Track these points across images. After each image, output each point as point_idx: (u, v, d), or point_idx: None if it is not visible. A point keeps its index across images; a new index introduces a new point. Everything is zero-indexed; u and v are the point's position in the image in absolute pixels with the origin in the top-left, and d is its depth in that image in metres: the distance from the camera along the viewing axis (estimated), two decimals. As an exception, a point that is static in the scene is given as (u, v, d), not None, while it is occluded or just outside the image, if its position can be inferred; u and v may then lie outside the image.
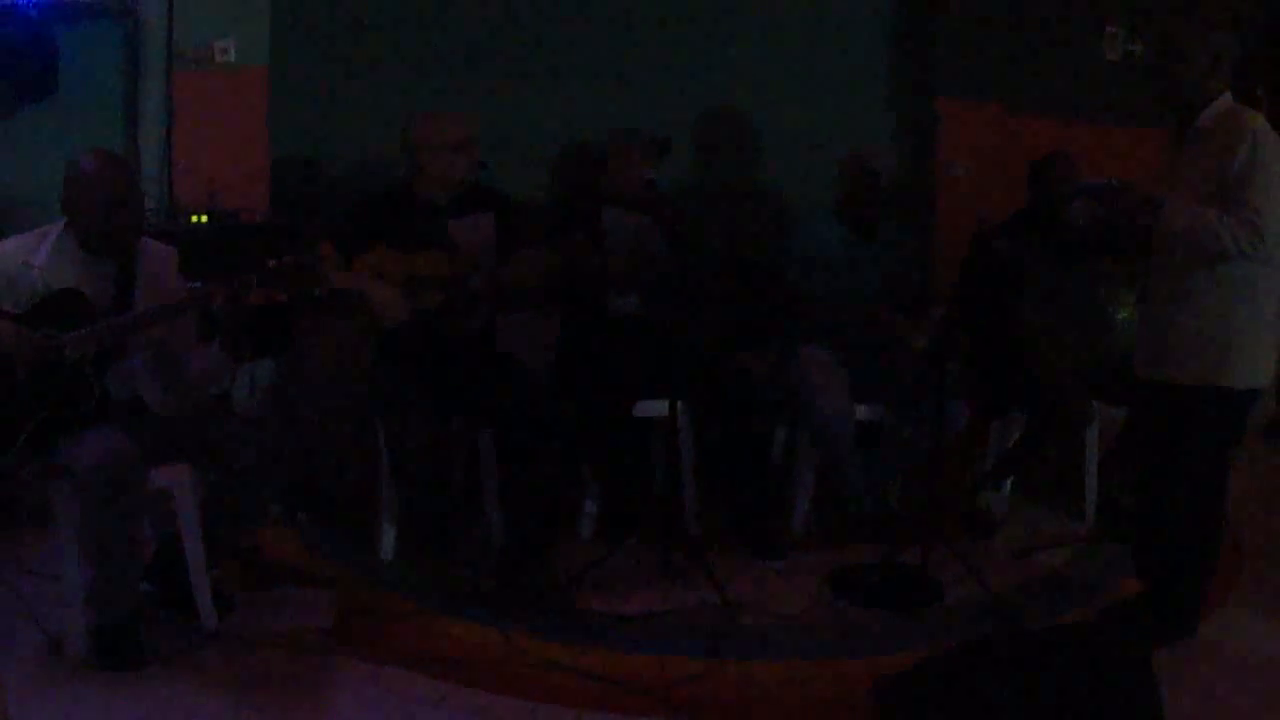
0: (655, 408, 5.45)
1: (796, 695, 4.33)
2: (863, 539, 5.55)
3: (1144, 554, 4.82)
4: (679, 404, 5.30)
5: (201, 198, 5.74)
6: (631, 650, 4.60)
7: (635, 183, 5.73)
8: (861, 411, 5.66)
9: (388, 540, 5.31)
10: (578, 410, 5.30)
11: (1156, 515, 4.67)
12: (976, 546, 5.60)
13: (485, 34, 6.34)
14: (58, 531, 4.31)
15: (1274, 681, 4.42)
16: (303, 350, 5.79)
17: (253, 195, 5.90)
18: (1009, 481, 5.97)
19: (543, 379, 5.54)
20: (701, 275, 5.54)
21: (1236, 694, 4.30)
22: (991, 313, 5.93)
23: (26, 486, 4.43)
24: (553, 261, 5.34)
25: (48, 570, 4.66)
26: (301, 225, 5.73)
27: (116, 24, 5.84)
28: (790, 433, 5.86)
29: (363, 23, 6.15)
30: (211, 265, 4.87)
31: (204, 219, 5.65)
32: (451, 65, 6.23)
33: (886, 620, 4.93)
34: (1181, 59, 4.39)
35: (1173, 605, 4.65)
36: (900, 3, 7.01)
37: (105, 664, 4.25)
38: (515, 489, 5.12)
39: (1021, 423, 5.87)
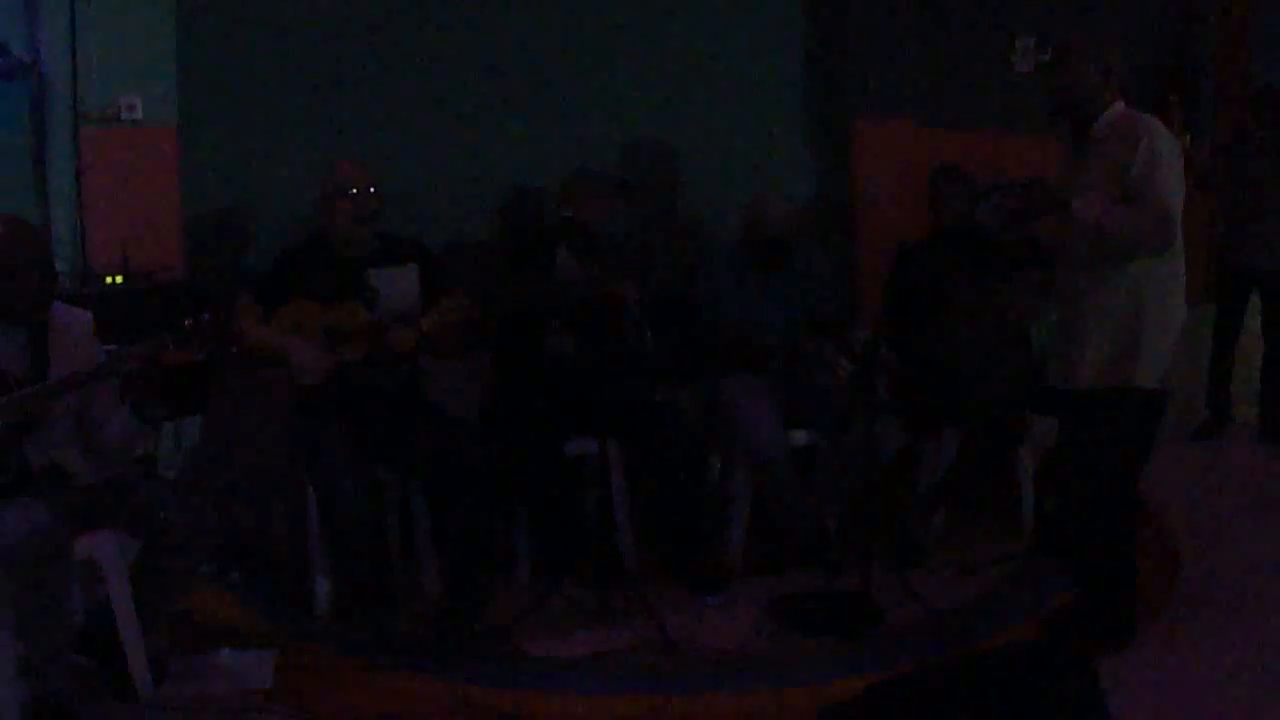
0: (585, 445, 5.43)
1: (744, 728, 4.29)
2: (802, 566, 5.55)
3: (1076, 561, 4.84)
4: (609, 441, 5.28)
5: (115, 259, 5.66)
6: (577, 692, 4.57)
7: (596, 221, 5.71)
8: (794, 437, 5.66)
9: (322, 595, 5.25)
10: (506, 453, 5.26)
11: (1079, 521, 4.71)
12: (914, 569, 5.57)
13: (396, 82, 6.29)
14: (-15, 607, 4.22)
15: (1219, 691, 4.41)
16: (223, 408, 5.72)
17: (167, 254, 5.82)
18: (940, 507, 5.96)
19: (469, 425, 5.51)
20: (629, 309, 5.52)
21: (1182, 708, 4.30)
22: (916, 331, 5.96)
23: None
24: (472, 310, 5.30)
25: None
26: (217, 283, 5.68)
27: (21, 85, 5.77)
28: (724, 463, 5.82)
29: (271, 77, 6.09)
30: (128, 327, 4.80)
31: (118, 280, 5.58)
32: (362, 116, 6.18)
33: (830, 647, 4.92)
34: (1074, 71, 4.53)
35: (1107, 610, 4.67)
36: (812, 22, 7.04)
37: (40, 739, 4.15)
38: (448, 536, 5.09)
39: (954, 439, 5.86)
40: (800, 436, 5.71)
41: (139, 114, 5.87)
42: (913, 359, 5.92)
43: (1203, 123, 7.78)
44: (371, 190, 5.27)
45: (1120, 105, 4.57)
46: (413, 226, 5.69)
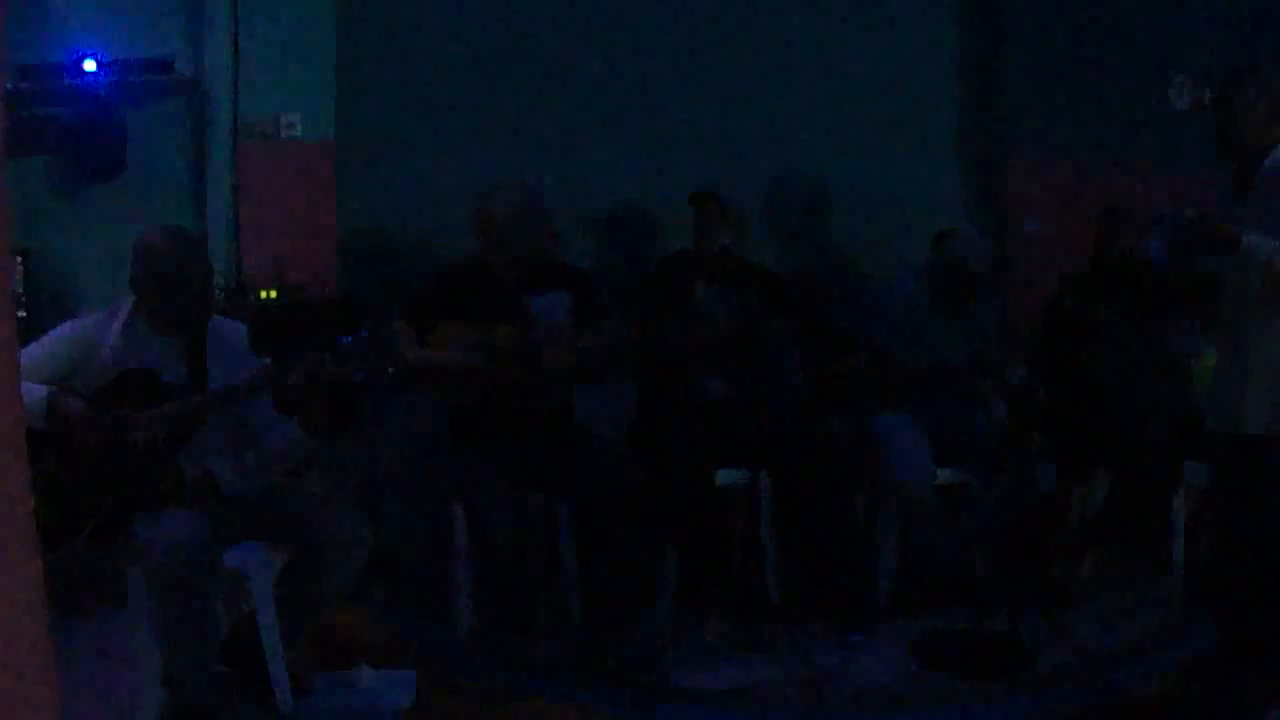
0: (735, 476, 5.36)
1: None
2: (949, 605, 5.43)
3: (1226, 611, 4.68)
4: (759, 472, 5.21)
5: (270, 273, 5.71)
6: (719, 727, 4.50)
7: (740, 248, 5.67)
8: (944, 475, 5.57)
9: (465, 617, 5.23)
10: (655, 480, 5.21)
11: (1236, 571, 4.55)
12: (1064, 611, 5.44)
13: (551, 102, 6.33)
14: (132, 613, 4.24)
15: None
16: (375, 426, 5.73)
17: (321, 269, 5.88)
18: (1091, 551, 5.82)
19: (620, 451, 5.48)
20: (782, 342, 5.46)
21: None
22: (1072, 372, 5.83)
23: (101, 568, 4.37)
24: (630, 335, 5.26)
25: (122, 653, 4.57)
26: (370, 299, 5.71)
27: (182, 100, 5.86)
28: (872, 499, 5.73)
29: (428, 93, 6.13)
30: (282, 341, 4.82)
31: (273, 294, 5.63)
32: (520, 133, 6.21)
33: (978, 689, 4.80)
34: (1242, 106, 4.39)
35: (1260, 663, 4.51)
36: (966, 62, 6.96)
37: (181, 748, 4.16)
38: (594, 562, 5.04)
39: (1106, 484, 5.72)
40: (950, 474, 5.60)
41: (298, 131, 5.94)
42: (1067, 398, 5.80)
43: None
44: (542, 215, 5.26)
45: None
46: (562, 248, 5.65)
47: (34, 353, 4.31)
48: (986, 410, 5.63)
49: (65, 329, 4.40)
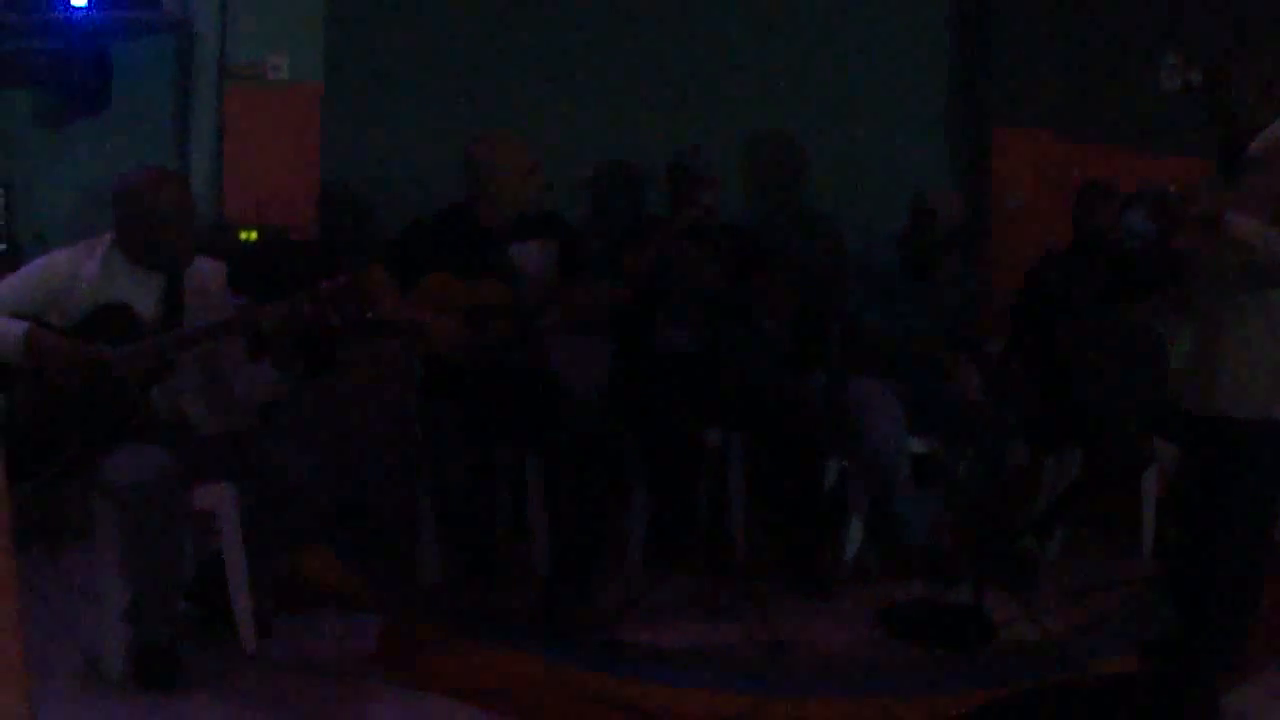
0: (708, 435, 5.37)
1: (847, 734, 4.23)
2: (915, 575, 5.45)
3: (1186, 591, 4.70)
4: (732, 432, 5.21)
5: (251, 214, 5.70)
6: (677, 684, 4.50)
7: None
8: (915, 444, 5.57)
9: (429, 566, 5.25)
10: (628, 434, 5.20)
11: (1201, 554, 4.55)
12: (1029, 586, 5.44)
13: (539, 54, 6.30)
14: (99, 548, 4.25)
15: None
16: (348, 372, 5.73)
17: (302, 213, 5.86)
18: (1059, 527, 5.84)
19: (591, 403, 5.47)
20: (758, 303, 5.45)
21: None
22: (1047, 348, 5.84)
23: (70, 502, 4.38)
24: (618, 295, 5.24)
25: (88, 588, 4.57)
26: (351, 244, 5.70)
27: (169, 38, 5.83)
28: (843, 464, 5.74)
29: (416, 41, 6.11)
30: (260, 282, 4.82)
31: (253, 236, 5.62)
32: (506, 85, 6.19)
33: (938, 659, 4.82)
34: (1232, 87, 4.37)
35: (1213, 646, 4.53)
36: (955, 31, 6.94)
37: (142, 684, 4.18)
38: (561, 516, 5.03)
39: (1078, 459, 5.74)
40: (921, 444, 5.61)
41: (284, 73, 5.92)
42: (1042, 373, 5.80)
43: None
44: (540, 168, 5.26)
45: (1279, 124, 4.39)
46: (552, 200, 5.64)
47: (13, 284, 4.33)
48: (962, 387, 5.63)
49: (43, 262, 4.39)
